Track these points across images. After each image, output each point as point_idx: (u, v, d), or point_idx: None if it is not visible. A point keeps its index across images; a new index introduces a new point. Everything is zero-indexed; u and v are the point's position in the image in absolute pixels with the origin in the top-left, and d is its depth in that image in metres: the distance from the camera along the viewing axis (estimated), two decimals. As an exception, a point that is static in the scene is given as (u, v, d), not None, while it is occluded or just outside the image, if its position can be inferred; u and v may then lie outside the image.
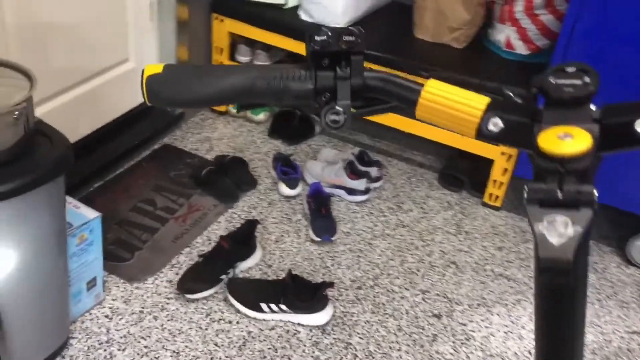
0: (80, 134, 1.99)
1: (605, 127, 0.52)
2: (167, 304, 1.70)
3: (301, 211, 2.07)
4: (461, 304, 1.82)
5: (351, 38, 0.60)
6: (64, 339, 1.53)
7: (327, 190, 2.13)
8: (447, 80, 0.60)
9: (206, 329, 1.64)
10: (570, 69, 0.53)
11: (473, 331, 1.74)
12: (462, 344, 1.70)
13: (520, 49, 2.12)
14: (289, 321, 1.69)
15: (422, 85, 0.60)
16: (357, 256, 1.94)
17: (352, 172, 2.12)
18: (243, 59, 2.42)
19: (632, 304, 1.88)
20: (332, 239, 1.96)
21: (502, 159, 2.10)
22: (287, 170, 2.15)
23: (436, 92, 0.58)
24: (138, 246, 1.86)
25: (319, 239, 1.95)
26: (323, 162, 2.23)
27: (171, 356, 1.57)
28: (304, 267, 1.87)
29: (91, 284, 1.61)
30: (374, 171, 2.16)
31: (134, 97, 2.26)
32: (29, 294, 1.37)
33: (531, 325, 1.78)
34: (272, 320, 1.69)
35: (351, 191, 2.14)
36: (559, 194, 0.49)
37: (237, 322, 1.67)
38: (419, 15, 2.21)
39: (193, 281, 1.73)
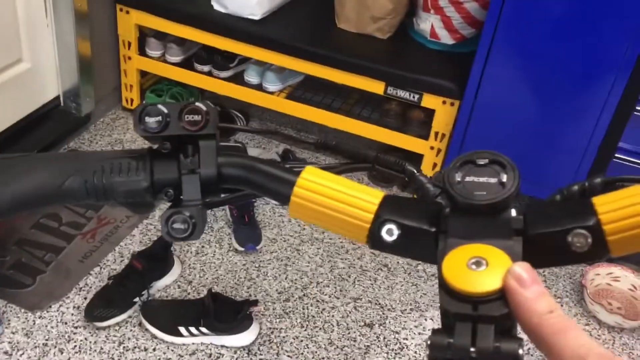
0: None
1: (531, 240, 0.39)
2: (75, 333, 1.54)
3: (224, 218, 1.94)
4: (394, 310, 1.74)
5: (196, 117, 0.46)
6: (-48, 387, 1.35)
7: (250, 194, 1.99)
8: (339, 151, 0.47)
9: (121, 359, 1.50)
10: (481, 161, 0.40)
11: (406, 339, 1.66)
12: (396, 354, 1.62)
13: (445, 38, 2.03)
14: (211, 343, 1.56)
15: (298, 173, 0.45)
16: (285, 265, 1.82)
17: (276, 173, 2.00)
18: (154, 53, 2.24)
19: (565, 298, 1.85)
20: (257, 247, 1.84)
21: (431, 154, 2.02)
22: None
23: (313, 186, 0.44)
24: (40, 269, 1.68)
25: (242, 249, 1.82)
26: (245, 163, 2.09)
27: (80, 394, 1.41)
28: (227, 281, 1.74)
29: (-17, 320, 1.43)
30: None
31: (33, 100, 2.05)
32: None
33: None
34: (193, 344, 1.55)
35: (276, 193, 2.01)
36: (472, 352, 0.35)
37: (154, 349, 1.53)
38: (340, 4, 2.09)
39: (103, 307, 1.57)
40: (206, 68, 2.21)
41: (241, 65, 2.23)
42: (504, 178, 0.40)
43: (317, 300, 1.73)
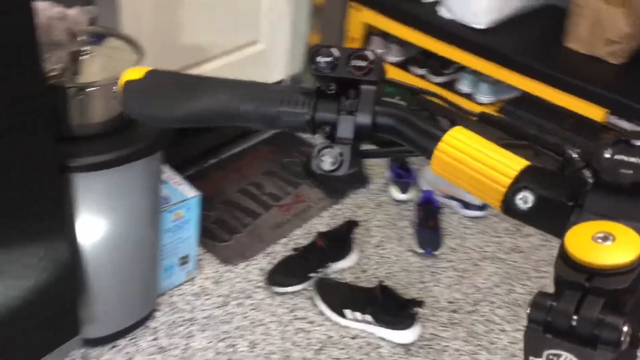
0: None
1: None
2: (254, 292, 1.68)
3: (409, 218, 1.96)
4: (569, 351, 1.62)
5: (362, 63, 0.49)
6: (149, 310, 1.56)
7: (440, 200, 1.99)
8: (499, 126, 0.47)
9: (287, 326, 1.60)
10: (637, 142, 0.39)
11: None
12: (561, 396, 1.51)
13: (689, 71, 1.83)
14: (372, 333, 1.60)
15: (446, 131, 0.47)
16: (460, 276, 1.80)
17: (471, 184, 1.97)
18: (376, 51, 2.33)
19: None
20: (435, 253, 1.83)
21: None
22: (402, 173, 2.04)
23: (458, 144, 0.45)
24: (238, 229, 1.86)
25: (421, 251, 1.83)
26: (442, 170, 2.09)
27: (248, 346, 1.54)
28: (399, 278, 1.76)
29: (183, 260, 1.63)
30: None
31: (263, 79, 2.25)
32: (118, 262, 1.40)
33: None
34: (355, 328, 1.61)
35: (467, 204, 1.99)
36: (574, 320, 0.35)
37: (319, 324, 1.61)
38: (573, 22, 1.98)
39: (283, 274, 1.69)
40: (421, 72, 2.24)
41: (456, 74, 2.22)
42: None
43: (487, 320, 1.68)
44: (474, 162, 0.44)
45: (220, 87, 0.55)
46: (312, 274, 1.70)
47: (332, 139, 0.50)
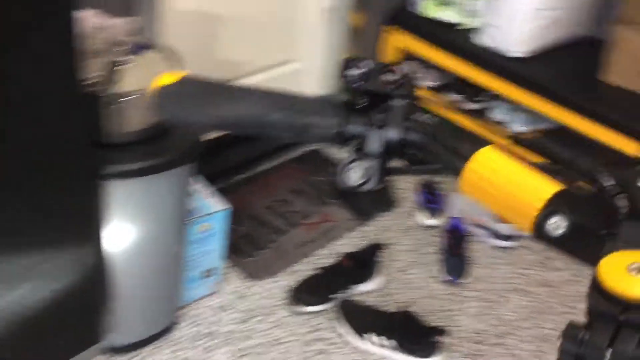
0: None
1: None
2: (277, 310, 1.67)
3: (436, 244, 1.94)
4: (595, 390, 1.57)
5: (392, 77, 0.48)
6: (171, 322, 1.56)
7: (468, 228, 1.96)
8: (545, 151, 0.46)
9: (307, 346, 1.59)
10: None
11: None
12: None
13: None
14: (393, 359, 1.57)
15: (477, 150, 0.45)
16: (485, 306, 1.76)
17: (501, 214, 1.94)
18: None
19: None
20: (459, 280, 1.80)
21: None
22: (430, 198, 2.02)
23: (489, 163, 0.44)
24: (264, 245, 1.86)
25: (447, 278, 1.80)
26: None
27: (266, 364, 1.53)
28: (423, 305, 1.74)
29: (208, 273, 1.63)
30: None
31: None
32: (143, 271, 1.41)
33: None
34: (375, 353, 1.58)
35: (496, 234, 1.96)
36: (607, 354, 0.33)
37: (340, 347, 1.60)
38: (612, 55, 1.95)
39: (307, 293, 1.68)
40: (456, 97, 2.23)
41: (490, 102, 2.21)
42: None
43: (512, 354, 1.64)
44: (505, 182, 0.43)
45: (251, 95, 0.55)
46: (335, 295, 1.68)
47: (360, 152, 0.50)
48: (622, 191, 0.39)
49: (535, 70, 2.01)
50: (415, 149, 0.50)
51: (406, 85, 0.49)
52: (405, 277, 1.82)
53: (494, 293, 1.81)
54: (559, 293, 1.84)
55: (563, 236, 0.40)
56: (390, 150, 0.50)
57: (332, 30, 2.18)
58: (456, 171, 0.46)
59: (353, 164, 0.49)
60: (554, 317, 1.76)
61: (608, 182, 0.43)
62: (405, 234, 1.97)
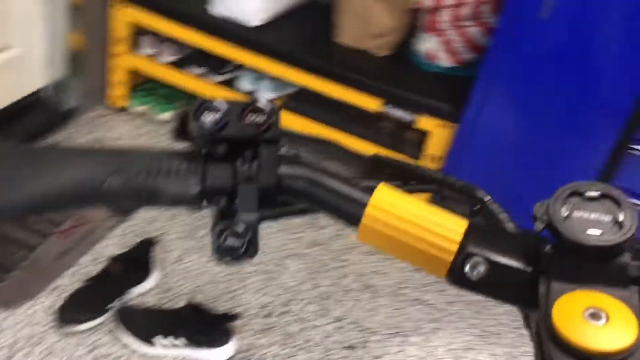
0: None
1: None
2: (45, 336, 1.47)
3: (208, 226, 1.87)
4: (376, 333, 1.69)
5: (259, 118, 0.41)
6: None
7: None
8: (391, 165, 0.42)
9: (89, 367, 1.43)
10: (592, 193, 0.36)
11: (388, 364, 1.62)
12: (377, 379, 1.58)
13: (444, 60, 2.01)
14: (187, 357, 1.50)
15: (369, 192, 0.40)
16: (267, 279, 1.77)
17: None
18: (147, 51, 2.18)
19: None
20: (239, 259, 1.78)
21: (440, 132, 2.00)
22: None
23: (389, 208, 0.39)
24: (14, 265, 1.60)
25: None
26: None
27: (45, 401, 1.34)
28: (207, 292, 1.68)
29: (-52, 316, 1.35)
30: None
31: (20, 88, 1.97)
32: None
33: (448, 356, 1.68)
34: (167, 356, 1.49)
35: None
36: None
37: (127, 358, 1.46)
38: (339, 18, 2.06)
39: (76, 310, 1.50)
40: (199, 71, 2.16)
41: (235, 72, 2.18)
42: (621, 216, 0.35)
43: (299, 318, 1.68)
44: (410, 227, 0.38)
45: (74, 158, 0.41)
46: (110, 305, 1.53)
47: (227, 213, 0.41)
48: (546, 225, 0.36)
49: (272, 38, 2.02)
50: (296, 197, 0.43)
51: (274, 126, 0.41)
52: (184, 267, 1.73)
53: (272, 263, 1.82)
54: (328, 249, 1.93)
55: (484, 279, 0.37)
56: (266, 203, 0.42)
57: (51, 10, 1.92)
58: (352, 220, 0.40)
59: (227, 231, 0.40)
60: (329, 273, 1.84)
61: (485, 197, 0.41)
62: (173, 221, 1.87)
